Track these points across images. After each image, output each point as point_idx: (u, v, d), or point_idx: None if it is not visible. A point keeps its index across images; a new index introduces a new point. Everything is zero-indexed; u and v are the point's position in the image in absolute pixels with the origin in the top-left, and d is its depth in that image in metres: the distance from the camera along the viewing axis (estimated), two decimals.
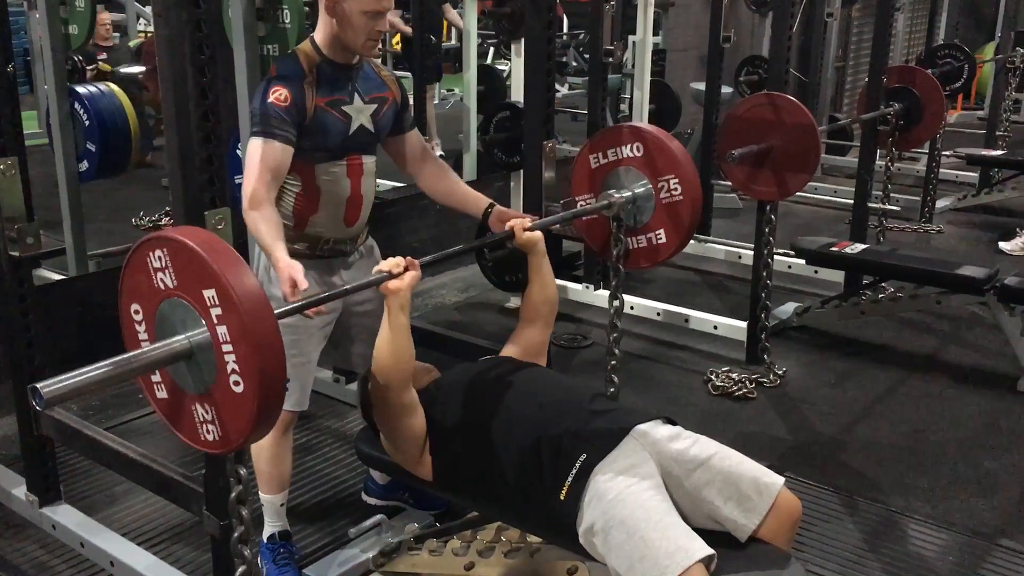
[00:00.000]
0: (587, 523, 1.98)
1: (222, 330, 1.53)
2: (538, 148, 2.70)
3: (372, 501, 2.91)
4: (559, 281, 4.46)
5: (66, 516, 2.81)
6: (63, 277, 4.13)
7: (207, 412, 1.62)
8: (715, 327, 4.26)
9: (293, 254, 2.43)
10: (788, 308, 4.52)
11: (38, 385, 1.45)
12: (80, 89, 4.50)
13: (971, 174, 7.04)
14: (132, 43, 7.57)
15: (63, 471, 2.98)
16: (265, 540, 2.59)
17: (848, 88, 8.42)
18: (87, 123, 4.44)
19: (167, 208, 5.74)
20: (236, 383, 1.54)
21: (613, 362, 2.93)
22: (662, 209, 2.65)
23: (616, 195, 2.65)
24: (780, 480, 2.05)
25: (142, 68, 6.68)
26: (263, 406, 1.55)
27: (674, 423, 2.18)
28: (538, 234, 2.46)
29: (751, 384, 3.85)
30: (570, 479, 2.03)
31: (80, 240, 4.19)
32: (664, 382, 3.94)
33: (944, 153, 6.43)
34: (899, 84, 5.36)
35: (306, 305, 1.94)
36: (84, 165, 4.47)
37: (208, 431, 1.64)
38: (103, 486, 3.08)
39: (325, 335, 2.57)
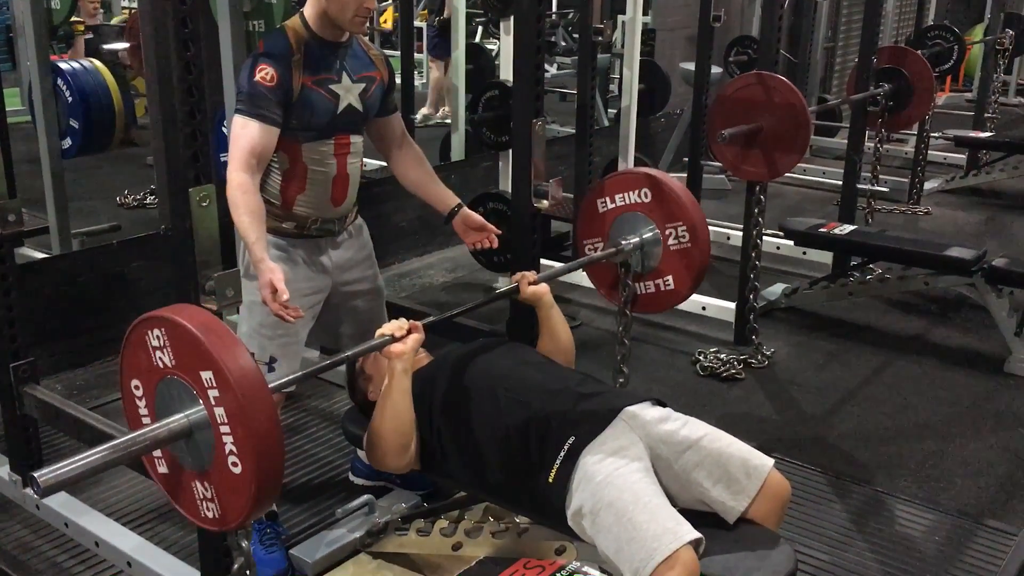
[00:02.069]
0: (575, 505, 1.98)
1: (220, 412, 1.54)
2: (527, 128, 2.67)
3: (359, 481, 2.90)
4: (547, 262, 4.46)
5: (50, 496, 2.78)
6: (46, 256, 4.09)
7: (207, 490, 1.63)
8: (703, 308, 4.25)
9: (281, 233, 2.43)
10: (776, 289, 4.52)
11: (36, 474, 1.44)
12: (63, 65, 4.46)
13: (959, 156, 7.06)
14: (115, 19, 7.49)
15: (47, 451, 2.96)
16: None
17: (837, 69, 8.40)
18: (70, 100, 4.40)
19: (152, 187, 5.70)
20: (234, 464, 1.55)
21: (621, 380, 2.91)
22: (670, 256, 2.62)
23: (624, 242, 2.63)
24: (770, 462, 2.05)
25: (126, 45, 6.61)
26: (262, 487, 1.55)
27: (664, 405, 2.18)
28: (544, 287, 2.43)
29: (739, 365, 3.85)
30: (559, 461, 2.02)
31: (63, 218, 4.15)
32: (652, 363, 3.94)
33: (933, 135, 6.44)
34: (889, 65, 5.35)
35: (303, 376, 1.95)
36: (67, 142, 4.44)
37: (208, 508, 1.65)
38: None
39: (313, 315, 2.55)
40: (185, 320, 1.56)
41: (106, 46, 6.52)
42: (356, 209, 2.62)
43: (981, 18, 9.52)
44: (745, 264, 4.01)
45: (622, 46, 5.43)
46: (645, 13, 6.76)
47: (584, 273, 4.56)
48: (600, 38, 4.51)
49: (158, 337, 1.59)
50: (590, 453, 2.00)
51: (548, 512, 2.07)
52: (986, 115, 7.23)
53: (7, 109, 3.58)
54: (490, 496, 2.34)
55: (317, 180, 2.43)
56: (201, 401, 1.56)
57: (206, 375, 1.53)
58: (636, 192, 2.62)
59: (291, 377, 1.92)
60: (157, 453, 1.71)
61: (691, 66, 5.48)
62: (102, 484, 2.96)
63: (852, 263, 4.58)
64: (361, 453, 2.83)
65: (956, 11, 9.13)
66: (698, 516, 1.94)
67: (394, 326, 2.05)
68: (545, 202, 2.73)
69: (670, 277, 2.65)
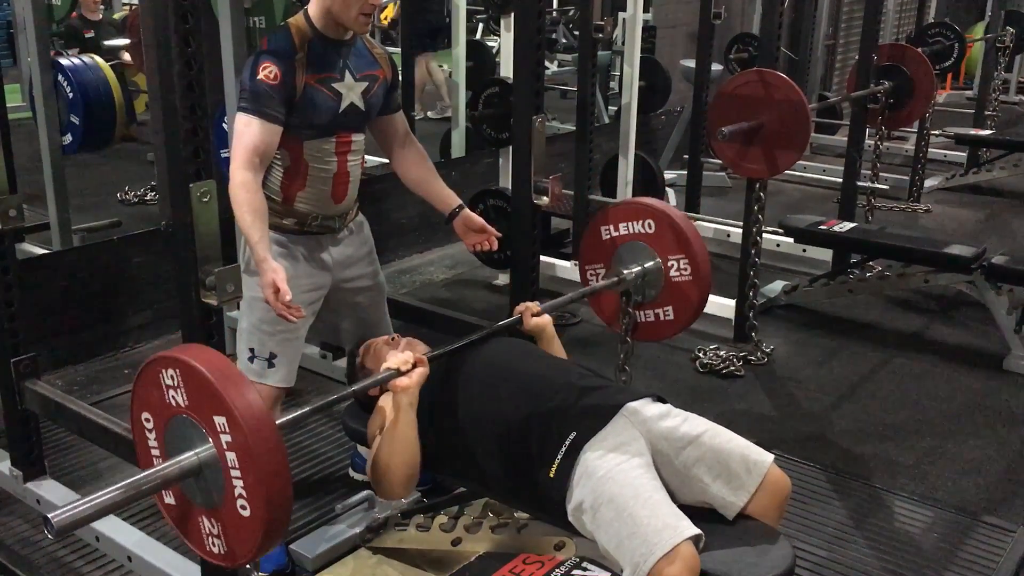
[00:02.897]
0: (576, 500, 1.98)
1: (231, 456, 1.55)
2: (527, 124, 2.67)
3: (359, 477, 2.91)
4: (547, 260, 4.46)
5: (51, 491, 2.79)
6: (47, 251, 4.09)
7: (213, 527, 1.64)
8: None
9: (282, 230, 2.43)
10: (776, 286, 4.52)
11: (50, 515, 1.46)
12: (64, 61, 4.46)
13: (960, 153, 7.05)
14: (117, 15, 7.49)
15: (48, 446, 2.97)
16: None
17: (838, 67, 8.40)
18: (71, 96, 4.40)
19: (153, 183, 5.70)
20: (243, 507, 1.56)
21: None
22: (671, 287, 2.62)
23: (626, 272, 2.64)
24: (769, 458, 2.05)
25: (127, 40, 6.62)
26: (269, 530, 1.56)
27: (664, 401, 2.18)
28: (546, 318, 2.43)
29: (739, 362, 3.85)
30: (560, 456, 2.03)
31: (64, 214, 4.16)
32: (652, 360, 3.94)
33: (933, 132, 6.43)
34: (889, 62, 5.35)
35: (313, 412, 1.94)
36: (68, 138, 4.44)
37: (214, 544, 1.66)
38: (88, 461, 3.06)
39: (313, 311, 2.56)
40: (201, 365, 1.56)
41: (106, 42, 6.53)
42: (357, 206, 2.62)
43: (982, 16, 9.51)
44: (745, 261, 4.01)
45: (623, 43, 5.44)
46: (646, 10, 6.76)
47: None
48: (601, 35, 4.51)
49: (172, 377, 1.60)
50: (591, 449, 2.01)
51: (548, 507, 2.07)
52: (986, 113, 7.22)
53: (8, 105, 3.58)
54: (490, 491, 2.35)
55: (318, 177, 2.43)
56: (212, 442, 1.57)
57: (219, 420, 1.54)
58: (640, 222, 2.64)
59: (300, 413, 1.91)
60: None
61: (691, 63, 5.49)
62: (102, 479, 2.97)
63: (852, 260, 4.58)
64: (361, 449, 2.84)
65: (957, 8, 9.14)
66: (697, 512, 1.95)
67: (399, 360, 2.04)
68: (545, 199, 2.74)
69: (670, 308, 2.66)
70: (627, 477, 1.93)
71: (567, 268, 4.68)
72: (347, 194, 2.51)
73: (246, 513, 1.55)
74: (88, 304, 3.83)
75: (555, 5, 9.70)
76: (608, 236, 2.70)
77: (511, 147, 2.81)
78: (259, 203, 2.22)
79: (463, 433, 2.18)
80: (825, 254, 4.71)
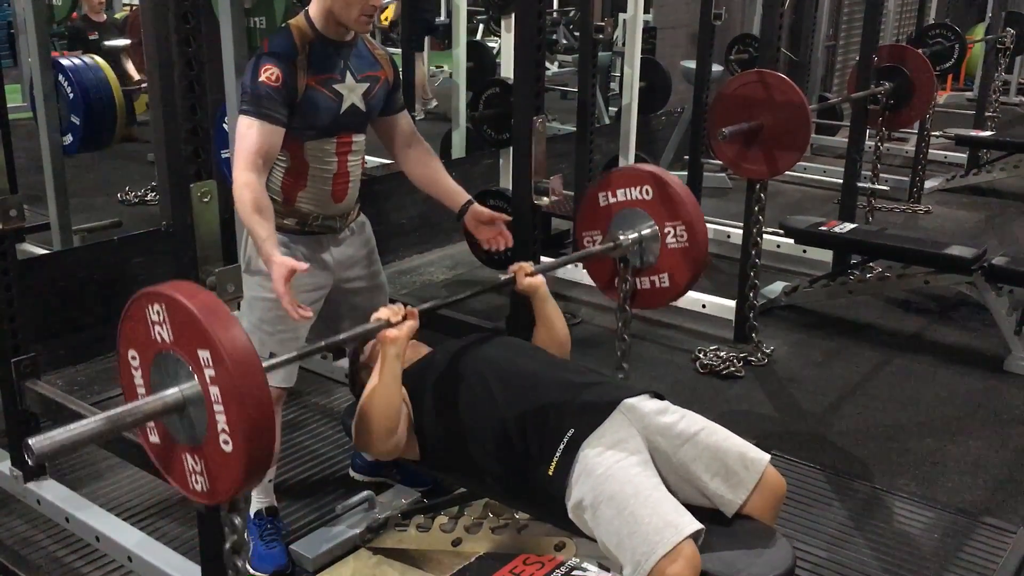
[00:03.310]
0: (576, 498, 1.98)
1: (214, 390, 1.54)
2: (528, 125, 2.67)
3: (359, 477, 2.91)
4: (548, 259, 4.46)
5: (51, 491, 2.80)
6: (47, 252, 4.09)
7: (196, 464, 1.64)
8: (703, 305, 4.26)
9: (283, 230, 2.43)
10: (776, 287, 4.52)
11: (30, 440, 1.45)
12: (64, 62, 4.46)
13: (960, 155, 7.05)
14: (118, 15, 7.49)
15: None
16: (252, 516, 2.58)
17: (838, 68, 8.40)
18: (71, 96, 4.40)
19: (153, 183, 5.71)
20: (226, 442, 1.55)
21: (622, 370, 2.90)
22: (668, 254, 2.62)
23: (623, 236, 2.63)
24: (766, 456, 2.05)
25: (127, 41, 6.63)
26: (251, 466, 1.56)
27: (662, 398, 2.18)
28: (540, 279, 2.43)
29: (739, 363, 3.85)
30: (558, 454, 2.03)
31: (64, 214, 4.16)
32: (652, 360, 3.94)
33: (933, 133, 6.43)
34: (890, 63, 5.35)
35: (297, 358, 1.96)
36: (68, 138, 4.44)
37: (197, 481, 1.66)
38: (89, 461, 3.06)
39: (315, 311, 2.55)
40: (186, 299, 1.55)
41: (107, 43, 6.53)
42: (358, 206, 2.62)
43: (982, 17, 9.51)
44: (745, 262, 4.01)
45: (623, 44, 5.44)
46: (646, 11, 6.76)
47: (585, 271, 4.60)
48: (601, 36, 4.51)
49: (158, 312, 1.59)
50: (589, 446, 2.01)
51: (548, 505, 2.07)
52: (987, 114, 7.21)
53: (8, 105, 3.58)
54: (489, 491, 2.35)
55: (319, 177, 2.43)
56: (196, 378, 1.56)
57: (203, 354, 1.53)
58: (638, 188, 2.63)
59: (286, 357, 1.91)
60: (150, 423, 1.71)
61: (692, 64, 5.49)
62: (103, 479, 2.97)
63: (852, 261, 4.58)
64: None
65: (957, 10, 9.12)
66: (695, 511, 1.94)
67: (390, 311, 2.05)
68: (545, 199, 2.74)
69: (666, 275, 2.66)
70: (627, 474, 1.93)
71: (568, 268, 4.68)
72: (348, 194, 2.51)
73: (228, 448, 1.55)
74: (88, 304, 3.83)
75: (555, 6, 9.71)
76: (606, 203, 2.70)
77: (511, 148, 2.81)
78: (264, 202, 2.21)
79: (461, 432, 2.19)
80: (825, 255, 4.71)
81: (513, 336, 2.63)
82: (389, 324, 2.04)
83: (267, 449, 1.58)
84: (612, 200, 2.68)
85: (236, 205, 2.19)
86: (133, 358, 1.68)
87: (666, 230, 2.62)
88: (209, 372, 1.54)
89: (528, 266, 2.42)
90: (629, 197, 2.66)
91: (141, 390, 1.69)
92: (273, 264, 2.12)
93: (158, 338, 1.61)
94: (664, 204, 2.60)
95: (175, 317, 1.57)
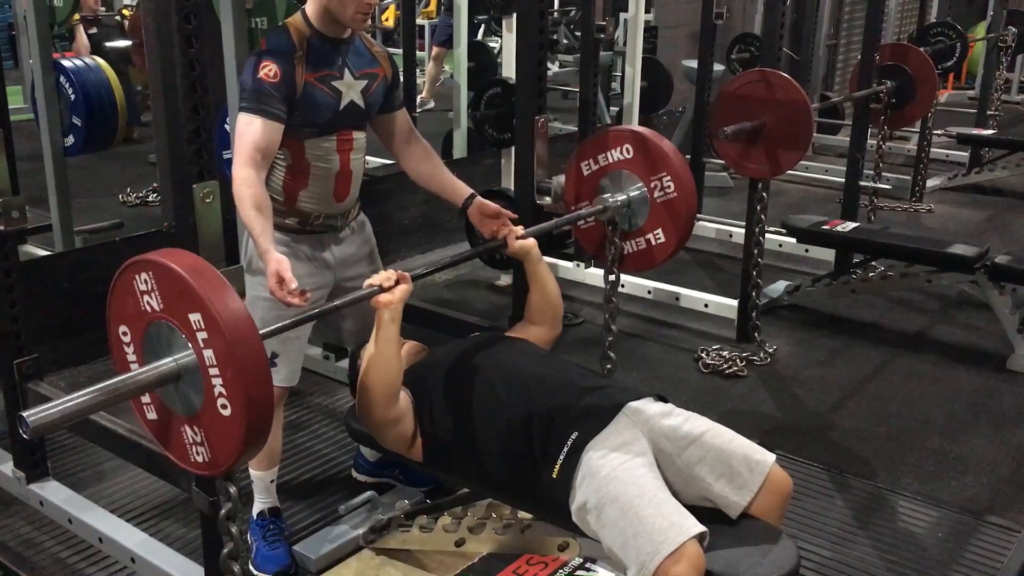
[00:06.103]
0: (580, 501, 1.98)
1: (208, 354, 1.52)
2: (530, 124, 2.68)
3: (362, 478, 2.90)
4: (549, 259, 4.46)
5: (54, 492, 2.79)
6: (49, 253, 4.09)
7: (196, 434, 1.62)
8: (706, 305, 4.25)
9: (284, 229, 2.43)
10: (779, 286, 4.52)
11: (24, 413, 1.44)
12: (66, 63, 4.46)
13: (962, 153, 7.05)
14: (118, 16, 7.49)
15: (51, 447, 2.97)
16: (255, 517, 2.58)
17: (840, 66, 8.40)
18: (73, 97, 4.40)
19: (154, 184, 5.70)
20: (224, 406, 1.54)
21: (611, 350, 2.91)
22: (658, 208, 2.63)
23: (610, 199, 2.64)
24: (771, 457, 2.05)
25: (129, 42, 6.63)
26: (251, 429, 1.54)
27: (666, 400, 2.18)
28: (531, 241, 2.44)
29: (741, 362, 3.85)
30: (562, 456, 2.03)
31: (66, 216, 4.16)
32: (654, 360, 3.94)
33: (935, 132, 6.43)
34: (891, 62, 5.34)
35: (292, 325, 1.97)
36: (70, 140, 4.44)
37: (198, 452, 1.64)
38: (91, 462, 3.06)
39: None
40: (173, 263, 1.54)
41: (108, 43, 6.53)
42: (359, 205, 2.62)
43: (984, 15, 9.49)
44: (747, 261, 4.01)
45: (624, 43, 5.43)
46: (647, 10, 6.75)
47: (587, 271, 4.60)
48: (602, 35, 4.51)
49: (146, 281, 1.57)
50: (594, 448, 2.01)
51: (552, 507, 2.07)
52: (988, 112, 7.20)
53: (10, 107, 3.58)
54: (493, 492, 2.35)
55: (320, 176, 2.43)
56: (190, 344, 1.54)
57: (194, 317, 1.51)
58: (618, 149, 2.64)
59: (281, 324, 1.91)
60: (146, 399, 1.70)
61: (693, 63, 5.49)
62: (105, 480, 2.97)
63: (854, 260, 4.58)
64: (364, 450, 2.84)
65: (958, 8, 9.10)
66: (700, 512, 1.94)
67: (382, 276, 2.06)
68: (547, 199, 2.74)
69: (660, 230, 2.66)
70: (631, 476, 1.93)
71: (570, 268, 4.68)
72: (349, 192, 2.51)
73: (227, 412, 1.53)
74: (91, 305, 3.76)
75: (556, 6, 9.71)
76: (589, 171, 2.70)
77: (513, 148, 2.81)
78: (262, 198, 2.21)
79: (466, 433, 2.18)
80: (828, 254, 4.71)
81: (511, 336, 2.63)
82: (382, 289, 2.04)
83: (266, 411, 1.56)
84: (595, 167, 2.69)
85: (235, 200, 2.19)
86: (124, 334, 1.66)
87: (652, 184, 2.62)
88: (202, 335, 1.52)
89: (518, 229, 2.43)
90: (610, 160, 2.66)
91: (135, 367, 1.66)
92: (268, 259, 2.12)
93: (147, 307, 1.59)
94: (646, 159, 2.61)
95: (163, 283, 1.55)
